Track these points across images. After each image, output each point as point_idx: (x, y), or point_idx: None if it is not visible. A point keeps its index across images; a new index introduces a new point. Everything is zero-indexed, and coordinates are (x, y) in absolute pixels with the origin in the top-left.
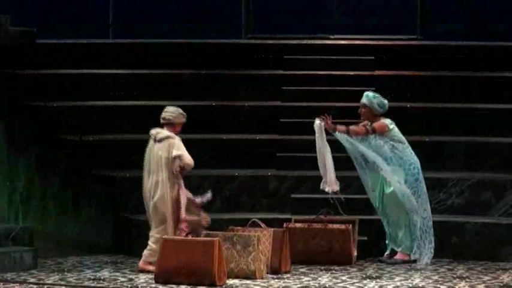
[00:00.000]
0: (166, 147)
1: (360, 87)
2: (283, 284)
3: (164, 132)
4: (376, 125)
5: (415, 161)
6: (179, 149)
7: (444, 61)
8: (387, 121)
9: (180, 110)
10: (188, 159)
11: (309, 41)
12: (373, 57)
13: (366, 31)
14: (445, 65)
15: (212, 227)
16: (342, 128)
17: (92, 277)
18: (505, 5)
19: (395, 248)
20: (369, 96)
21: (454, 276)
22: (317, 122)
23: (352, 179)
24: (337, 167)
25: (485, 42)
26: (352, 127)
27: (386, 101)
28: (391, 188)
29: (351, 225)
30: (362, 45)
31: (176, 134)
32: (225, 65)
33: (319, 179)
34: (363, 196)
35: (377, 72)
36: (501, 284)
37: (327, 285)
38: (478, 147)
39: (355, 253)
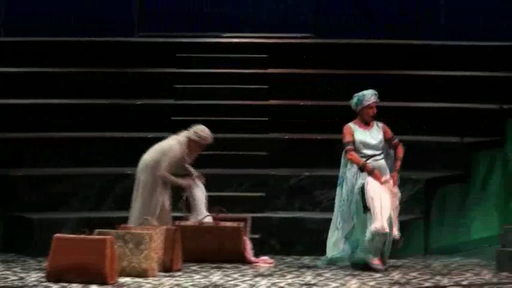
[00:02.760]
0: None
1: (252, 85)
2: (175, 282)
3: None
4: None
5: None
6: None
7: (337, 59)
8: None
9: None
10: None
11: (202, 39)
12: (266, 55)
13: (259, 29)
14: (338, 63)
15: (104, 225)
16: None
17: None
18: (395, 2)
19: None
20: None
21: (346, 273)
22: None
23: (244, 178)
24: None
25: (378, 40)
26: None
27: (355, 98)
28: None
29: (242, 223)
30: (254, 43)
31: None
32: (117, 63)
33: (211, 177)
34: (254, 194)
35: (270, 70)
36: (391, 281)
37: (218, 283)
38: None
39: (251, 251)
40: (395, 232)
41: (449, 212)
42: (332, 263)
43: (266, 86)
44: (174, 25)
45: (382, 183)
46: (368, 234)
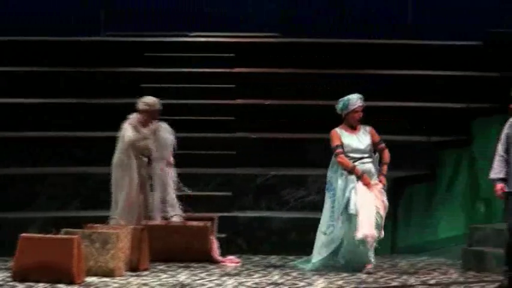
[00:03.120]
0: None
1: (219, 85)
2: (142, 282)
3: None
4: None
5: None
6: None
7: (304, 58)
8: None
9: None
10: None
11: (169, 39)
12: (233, 55)
13: (226, 28)
14: (305, 62)
15: (71, 225)
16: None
17: None
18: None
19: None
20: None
21: (313, 272)
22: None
23: (211, 177)
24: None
25: (345, 40)
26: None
27: (341, 102)
28: None
29: (209, 222)
30: (221, 43)
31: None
32: (83, 62)
33: (178, 176)
34: (221, 193)
35: (237, 70)
36: (358, 280)
37: (185, 283)
38: None
39: (218, 250)
40: (382, 233)
41: (416, 212)
42: (316, 267)
43: (233, 85)
44: (141, 24)
45: (370, 186)
46: (355, 241)
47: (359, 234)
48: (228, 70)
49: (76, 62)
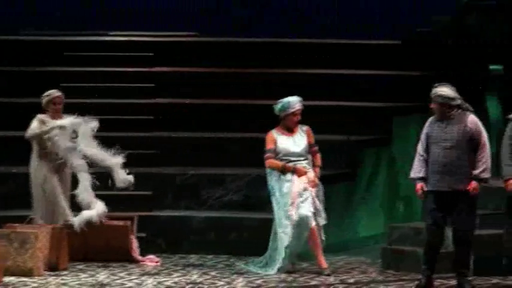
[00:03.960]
0: None
1: (139, 84)
2: (61, 281)
3: None
4: None
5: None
6: None
7: (223, 57)
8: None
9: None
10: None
11: (88, 38)
12: (152, 54)
13: (145, 28)
14: (224, 61)
15: None
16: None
17: None
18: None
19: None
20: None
21: (232, 271)
22: None
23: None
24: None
25: (264, 39)
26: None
27: (280, 104)
28: None
29: (129, 222)
30: (141, 42)
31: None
32: (3, 62)
33: (98, 175)
34: (141, 192)
35: (156, 69)
36: (278, 279)
37: (104, 282)
38: (254, 143)
39: (138, 250)
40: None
41: (335, 211)
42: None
43: (152, 85)
44: (60, 24)
45: (305, 173)
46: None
47: (295, 216)
48: (147, 69)
49: None
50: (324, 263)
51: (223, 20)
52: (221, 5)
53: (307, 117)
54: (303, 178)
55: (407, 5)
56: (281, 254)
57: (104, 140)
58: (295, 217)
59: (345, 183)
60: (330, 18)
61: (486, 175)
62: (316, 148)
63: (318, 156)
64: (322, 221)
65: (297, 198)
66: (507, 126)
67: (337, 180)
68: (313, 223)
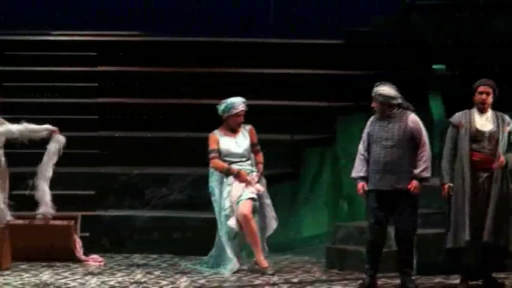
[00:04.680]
0: None
1: (82, 83)
2: (4, 281)
3: None
4: None
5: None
6: None
7: (166, 57)
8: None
9: None
10: None
11: (30, 37)
12: (95, 53)
13: (88, 27)
14: (167, 61)
15: None
16: None
17: None
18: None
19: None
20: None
21: (176, 271)
22: None
23: (74, 176)
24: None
25: (209, 38)
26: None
27: (223, 104)
28: None
29: (73, 221)
30: (83, 41)
31: None
32: None
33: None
34: (84, 192)
35: (99, 68)
36: (222, 279)
37: (48, 282)
38: (199, 142)
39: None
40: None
41: (279, 210)
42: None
43: (96, 84)
44: (2, 23)
45: (247, 181)
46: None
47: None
48: (90, 69)
49: None
50: (264, 262)
51: (168, 19)
52: (167, 4)
53: (251, 116)
54: (243, 185)
55: (351, 4)
56: (229, 254)
57: (46, 140)
58: (235, 226)
59: (289, 183)
60: (273, 18)
61: (427, 174)
62: (258, 147)
63: (260, 155)
64: (274, 225)
65: (235, 203)
66: (448, 130)
67: (281, 180)
68: (253, 222)
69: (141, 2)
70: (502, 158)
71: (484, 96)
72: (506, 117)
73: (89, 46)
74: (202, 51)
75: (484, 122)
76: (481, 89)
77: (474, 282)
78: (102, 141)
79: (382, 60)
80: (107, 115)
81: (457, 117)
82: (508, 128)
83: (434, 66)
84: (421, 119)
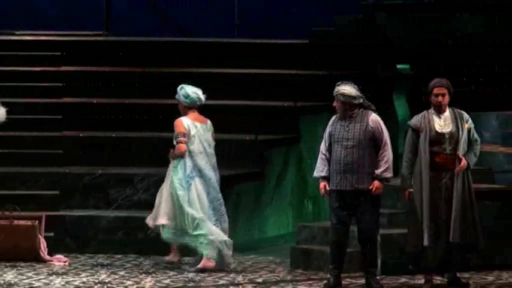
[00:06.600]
0: None
1: (47, 83)
2: None
3: None
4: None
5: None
6: None
7: (130, 56)
8: (183, 119)
9: None
10: None
11: None
12: (59, 53)
13: (52, 27)
14: (131, 61)
15: None
16: None
17: None
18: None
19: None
20: (179, 88)
21: (141, 271)
22: None
23: (39, 176)
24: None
25: (172, 38)
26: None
27: (194, 93)
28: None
29: (37, 221)
30: (48, 41)
31: None
32: None
33: (5, 175)
34: (49, 192)
35: (64, 68)
36: (186, 279)
37: (12, 282)
38: (163, 142)
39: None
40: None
41: (244, 210)
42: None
43: (60, 84)
44: None
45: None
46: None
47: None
48: (55, 69)
49: None
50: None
51: (130, 19)
52: (127, 4)
53: (215, 116)
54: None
55: (315, 4)
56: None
57: (10, 140)
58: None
59: (254, 183)
60: (236, 18)
61: (388, 174)
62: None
63: None
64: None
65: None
66: (407, 134)
67: (245, 180)
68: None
69: (103, 2)
70: (464, 161)
71: (439, 98)
72: (465, 114)
73: (53, 46)
74: (166, 52)
75: (443, 123)
76: (436, 91)
77: (439, 282)
78: (66, 141)
79: (346, 60)
80: (71, 115)
81: (416, 120)
82: (467, 125)
83: (398, 66)
84: (386, 119)
